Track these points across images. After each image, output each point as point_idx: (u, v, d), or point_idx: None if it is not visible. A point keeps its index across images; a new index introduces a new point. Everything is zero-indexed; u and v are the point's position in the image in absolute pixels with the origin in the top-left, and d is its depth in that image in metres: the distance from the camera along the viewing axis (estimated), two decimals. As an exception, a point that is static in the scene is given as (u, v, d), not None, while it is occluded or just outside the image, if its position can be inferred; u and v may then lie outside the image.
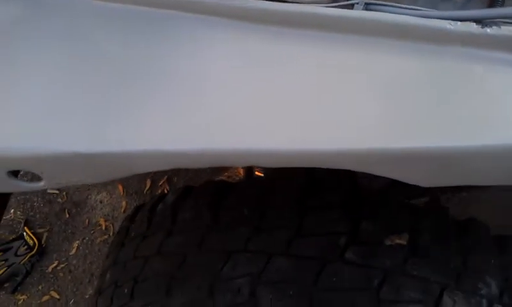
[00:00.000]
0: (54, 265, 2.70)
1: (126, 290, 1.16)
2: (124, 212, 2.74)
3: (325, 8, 0.76)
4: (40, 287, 2.65)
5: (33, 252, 2.71)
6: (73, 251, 2.72)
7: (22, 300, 2.63)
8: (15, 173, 0.78)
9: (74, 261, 2.69)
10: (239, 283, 1.02)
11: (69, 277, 2.65)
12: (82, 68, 0.77)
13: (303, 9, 0.76)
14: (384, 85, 0.70)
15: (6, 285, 2.68)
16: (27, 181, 0.80)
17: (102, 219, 2.76)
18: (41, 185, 0.78)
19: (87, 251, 2.70)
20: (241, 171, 2.58)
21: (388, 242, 1.04)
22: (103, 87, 0.74)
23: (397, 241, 1.05)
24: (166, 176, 2.80)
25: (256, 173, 2.00)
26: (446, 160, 0.65)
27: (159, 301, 1.09)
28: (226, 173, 2.64)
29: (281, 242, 1.04)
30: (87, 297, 2.56)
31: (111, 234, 2.71)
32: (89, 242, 2.73)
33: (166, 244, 1.17)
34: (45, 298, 2.61)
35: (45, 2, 0.85)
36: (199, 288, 1.05)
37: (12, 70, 0.79)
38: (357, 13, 0.74)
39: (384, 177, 1.27)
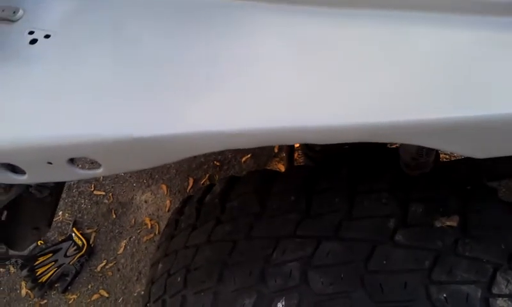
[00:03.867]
0: (103, 264, 2.77)
1: (179, 279, 1.19)
2: (168, 210, 2.79)
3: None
4: (89, 286, 2.73)
5: (82, 252, 2.79)
6: (121, 250, 2.78)
7: (72, 300, 2.71)
8: (73, 161, 0.82)
9: (122, 260, 2.75)
10: (289, 267, 1.03)
11: (117, 276, 2.71)
12: (136, 54, 0.80)
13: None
14: (432, 57, 0.70)
15: (56, 285, 2.77)
16: (86, 169, 0.83)
17: (147, 218, 2.82)
18: (100, 172, 0.81)
19: (134, 250, 2.76)
20: (282, 167, 2.59)
21: (438, 224, 1.04)
22: (158, 72, 0.77)
23: (447, 223, 1.04)
24: (207, 175, 2.83)
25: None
26: (500, 129, 0.65)
27: (212, 288, 1.11)
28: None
29: (330, 227, 1.05)
30: (135, 294, 2.61)
31: (157, 232, 2.76)
32: (136, 241, 2.78)
33: (216, 233, 1.19)
34: (95, 296, 2.68)
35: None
36: (250, 273, 1.07)
37: (70, 58, 0.83)
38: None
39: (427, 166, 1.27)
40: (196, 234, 1.25)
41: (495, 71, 0.66)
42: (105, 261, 2.78)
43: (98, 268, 2.76)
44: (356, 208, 1.06)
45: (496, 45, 0.68)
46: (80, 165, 0.83)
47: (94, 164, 0.81)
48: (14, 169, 0.87)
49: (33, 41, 0.86)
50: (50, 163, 0.80)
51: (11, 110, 0.80)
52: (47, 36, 0.86)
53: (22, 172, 0.85)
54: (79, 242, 2.82)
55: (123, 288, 2.66)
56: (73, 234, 2.85)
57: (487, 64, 0.67)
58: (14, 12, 0.90)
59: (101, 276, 2.74)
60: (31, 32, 0.87)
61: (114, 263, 2.76)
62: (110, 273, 2.73)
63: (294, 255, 1.04)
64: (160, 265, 1.32)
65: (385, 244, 1.01)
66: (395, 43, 0.73)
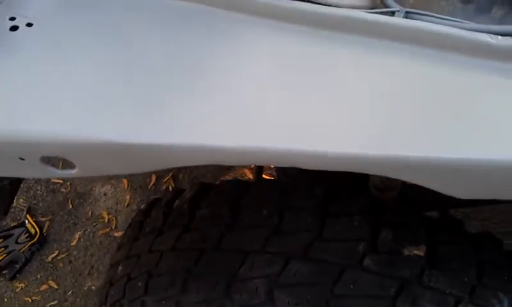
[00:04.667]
0: (54, 254, 2.70)
1: (140, 284, 1.16)
2: (128, 205, 2.74)
3: (365, 13, 0.76)
4: (38, 276, 2.65)
5: (34, 240, 2.71)
6: (74, 242, 2.72)
7: (20, 288, 2.63)
8: (47, 159, 0.78)
9: (75, 252, 2.69)
10: (256, 284, 1.02)
11: (68, 268, 2.64)
12: (124, 55, 0.77)
13: (343, 13, 0.77)
14: (424, 94, 0.70)
15: (4, 272, 2.68)
16: (59, 168, 0.79)
17: (105, 212, 2.76)
18: (74, 172, 0.78)
19: (88, 243, 2.70)
20: (248, 173, 2.58)
21: (406, 252, 1.04)
22: (144, 77, 0.74)
23: (415, 252, 1.05)
24: (171, 173, 2.79)
25: (264, 175, 2.00)
26: (487, 173, 0.65)
27: (174, 297, 1.08)
28: (231, 173, 2.64)
29: (300, 245, 1.04)
30: (85, 289, 2.55)
31: (113, 227, 2.71)
32: (91, 234, 2.72)
33: (183, 240, 1.16)
34: (43, 287, 2.61)
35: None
36: (215, 286, 1.05)
37: (51, 52, 0.79)
38: (398, 21, 0.74)
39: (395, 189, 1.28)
40: (161, 239, 1.22)
41: (479, 115, 0.67)
42: (57, 251, 2.71)
43: (49, 259, 2.69)
44: (328, 229, 1.06)
45: (488, 89, 0.69)
46: (53, 164, 0.79)
47: (68, 164, 0.77)
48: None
49: (14, 28, 0.82)
50: (22, 159, 0.76)
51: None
52: (29, 25, 0.82)
53: (-10, 164, 0.81)
54: (32, 230, 2.74)
55: (73, 281, 2.60)
56: (27, 221, 2.77)
57: (473, 108, 0.68)
58: (-5, -6, 0.85)
59: (51, 267, 2.66)
60: (12, 18, 0.83)
61: (66, 255, 2.69)
62: (61, 264, 2.66)
63: (261, 271, 1.03)
64: (120, 267, 1.28)
65: (354, 269, 1.01)
66: (385, 73, 0.73)
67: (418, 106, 0.69)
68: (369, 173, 0.71)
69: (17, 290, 2.62)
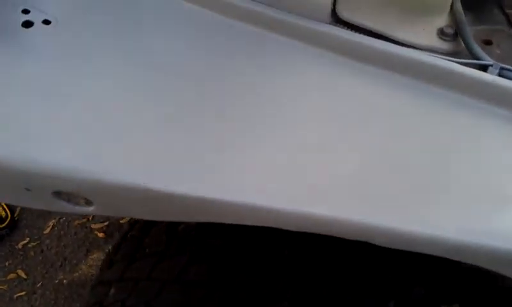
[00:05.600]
0: (25, 242, 2.53)
1: (137, 316, 1.02)
2: (109, 198, 2.58)
3: (452, 64, 0.65)
4: (6, 263, 2.48)
5: (4, 224, 2.53)
6: (48, 230, 2.55)
7: (-16, 276, 2.45)
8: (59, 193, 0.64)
9: (47, 241, 2.52)
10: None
11: (40, 258, 2.48)
12: (162, 82, 0.64)
13: (423, 59, 0.65)
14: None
15: (-31, 256, 2.50)
16: (73, 204, 0.65)
17: (83, 202, 2.59)
18: (90, 210, 0.64)
19: (62, 233, 2.54)
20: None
21: (439, 312, 0.96)
22: (184, 111, 0.61)
23: (449, 311, 0.96)
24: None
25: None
26: None
27: (177, 338, 0.96)
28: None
29: (327, 299, 0.93)
30: (56, 282, 2.39)
31: (91, 218, 2.55)
32: (66, 223, 2.56)
33: (189, 272, 1.03)
34: (11, 276, 2.43)
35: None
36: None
37: (72, 60, 0.65)
38: (494, 80, 0.63)
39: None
40: (163, 266, 1.08)
41: None
42: (28, 238, 2.54)
43: (20, 246, 2.52)
44: (357, 283, 0.95)
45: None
46: (65, 198, 0.65)
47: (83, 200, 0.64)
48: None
49: (27, 24, 0.68)
50: (29, 189, 0.62)
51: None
52: (47, 22, 0.68)
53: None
54: (2, 213, 2.56)
55: (44, 272, 2.43)
56: (-3, 202, 2.59)
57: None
58: (7, -20, 0.70)
59: (22, 255, 2.50)
60: (26, 11, 0.69)
61: (38, 243, 2.53)
62: (32, 253, 2.49)
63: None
64: (112, 290, 1.14)
65: (382, 327, 0.91)
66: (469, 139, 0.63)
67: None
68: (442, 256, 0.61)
69: (-19, 277, 2.44)
